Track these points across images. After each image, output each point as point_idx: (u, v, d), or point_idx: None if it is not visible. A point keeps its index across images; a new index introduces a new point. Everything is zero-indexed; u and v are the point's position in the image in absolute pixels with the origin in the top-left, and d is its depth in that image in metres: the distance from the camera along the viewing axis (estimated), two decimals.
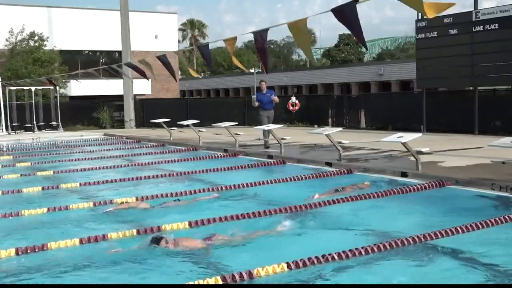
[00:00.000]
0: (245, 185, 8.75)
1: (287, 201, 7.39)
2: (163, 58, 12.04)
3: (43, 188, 9.03)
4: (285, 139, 13.02)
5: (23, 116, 22.59)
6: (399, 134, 9.92)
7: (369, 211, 7.01)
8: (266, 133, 13.66)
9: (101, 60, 36.34)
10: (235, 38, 9.81)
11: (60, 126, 23.31)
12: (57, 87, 24.80)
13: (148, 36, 35.15)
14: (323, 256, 4.73)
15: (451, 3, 6.00)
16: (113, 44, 30.90)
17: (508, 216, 6.01)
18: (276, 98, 14.18)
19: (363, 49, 79.03)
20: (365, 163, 10.40)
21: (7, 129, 21.96)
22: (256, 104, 14.22)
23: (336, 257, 4.78)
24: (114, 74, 14.86)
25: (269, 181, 9.03)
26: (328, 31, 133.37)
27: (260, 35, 8.60)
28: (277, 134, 12.89)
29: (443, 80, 17.22)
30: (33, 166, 12.28)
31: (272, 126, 13.10)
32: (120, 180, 9.77)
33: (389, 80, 45.76)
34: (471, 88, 17.12)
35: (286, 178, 9.23)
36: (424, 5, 5.93)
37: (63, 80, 27.87)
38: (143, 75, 13.78)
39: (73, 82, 18.55)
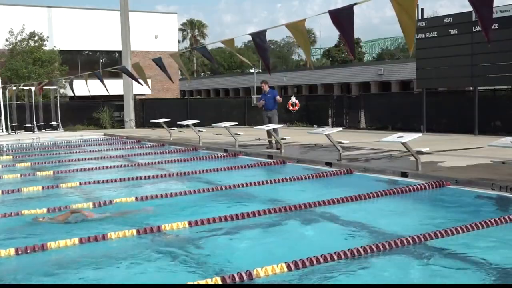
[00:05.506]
0: (245, 185, 8.75)
1: (287, 201, 7.40)
2: (158, 62, 12.04)
3: (43, 188, 9.03)
4: (285, 139, 13.01)
5: (23, 116, 22.59)
6: (399, 134, 9.92)
7: (369, 211, 7.02)
8: (270, 133, 13.61)
9: (101, 60, 36.34)
10: (232, 40, 9.80)
11: (60, 126, 23.32)
12: (57, 88, 24.79)
13: (148, 36, 35.16)
14: (322, 256, 4.73)
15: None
16: (113, 44, 30.93)
17: (508, 217, 6.00)
18: (279, 98, 14.06)
19: (362, 50, 79.20)
20: (365, 163, 10.39)
21: (7, 129, 21.95)
22: (259, 104, 14.34)
23: (335, 257, 4.78)
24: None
25: (269, 181, 9.03)
26: (328, 31, 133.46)
27: (259, 36, 8.58)
28: (277, 135, 12.88)
29: (443, 80, 17.22)
30: (33, 166, 12.28)
31: (272, 126, 13.08)
32: (120, 180, 9.77)
33: (389, 80, 45.75)
34: (471, 88, 17.13)
35: (286, 178, 9.23)
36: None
37: (63, 82, 27.85)
38: (136, 80, 13.90)
39: (73, 82, 18.63)
